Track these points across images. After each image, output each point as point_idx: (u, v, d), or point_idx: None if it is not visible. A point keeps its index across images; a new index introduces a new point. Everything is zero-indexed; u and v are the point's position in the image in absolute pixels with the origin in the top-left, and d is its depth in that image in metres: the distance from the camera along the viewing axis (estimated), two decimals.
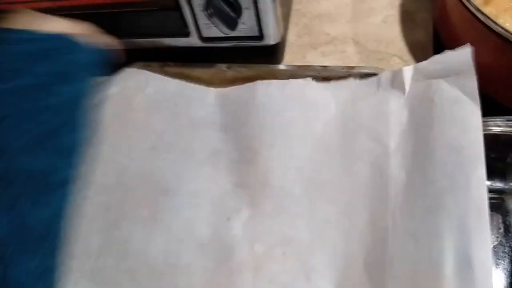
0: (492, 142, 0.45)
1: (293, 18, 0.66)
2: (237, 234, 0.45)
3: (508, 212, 0.50)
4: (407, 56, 0.60)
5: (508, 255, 0.47)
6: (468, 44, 0.42)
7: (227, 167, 0.49)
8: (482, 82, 0.42)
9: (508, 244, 0.48)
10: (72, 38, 0.39)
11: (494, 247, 0.48)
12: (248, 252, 0.43)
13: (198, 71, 0.56)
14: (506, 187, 0.51)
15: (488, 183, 0.50)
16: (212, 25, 0.51)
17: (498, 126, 0.47)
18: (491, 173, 0.44)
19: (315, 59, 0.61)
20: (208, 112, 0.53)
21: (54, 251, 0.32)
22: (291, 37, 0.64)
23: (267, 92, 0.52)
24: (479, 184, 0.38)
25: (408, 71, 0.47)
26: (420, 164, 0.42)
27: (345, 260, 0.42)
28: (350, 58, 0.61)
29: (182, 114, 0.53)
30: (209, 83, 0.56)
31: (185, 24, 0.53)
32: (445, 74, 0.44)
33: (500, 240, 0.48)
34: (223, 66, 0.56)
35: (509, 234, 0.48)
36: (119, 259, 0.44)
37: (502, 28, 0.42)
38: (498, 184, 0.51)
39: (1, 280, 0.29)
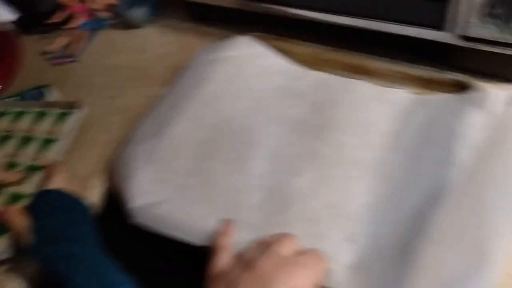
0: None
1: None
2: (300, 188, 0.50)
3: None
4: None
5: None
6: None
7: (307, 136, 0.55)
8: None
9: None
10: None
11: None
12: (304, 207, 0.48)
13: (302, 49, 0.63)
14: None
15: None
16: (485, 25, 0.46)
17: None
18: None
19: None
20: (304, 88, 0.60)
21: None
22: None
23: (365, 93, 0.57)
24: None
25: (502, 94, 0.51)
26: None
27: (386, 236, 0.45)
28: None
29: (282, 87, 0.61)
30: (310, 64, 0.62)
31: (442, 16, 0.49)
32: None
33: None
34: (327, 48, 0.62)
35: None
36: (201, 183, 0.53)
37: None
38: None
39: None
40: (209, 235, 0.47)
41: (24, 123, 0.64)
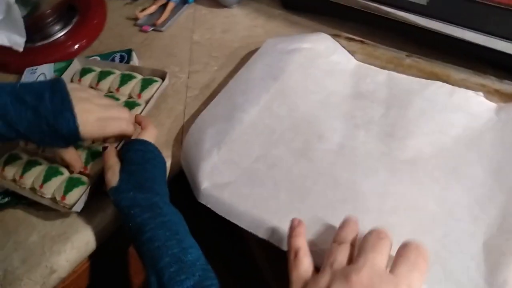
0: None
1: None
2: (370, 193, 0.50)
3: None
4: None
5: None
6: None
7: (378, 135, 0.55)
8: None
9: None
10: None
11: None
12: (378, 205, 0.48)
13: (379, 52, 0.63)
14: None
15: None
16: None
17: None
18: None
19: None
20: (376, 88, 0.60)
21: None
22: None
23: (437, 92, 0.57)
24: None
25: None
26: None
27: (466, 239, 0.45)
28: None
29: (353, 85, 0.61)
30: (383, 66, 0.62)
31: None
32: None
33: None
34: (403, 53, 0.62)
35: None
36: (267, 169, 0.54)
37: None
38: None
39: None
40: (272, 230, 0.48)
41: (109, 83, 0.66)
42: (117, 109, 0.55)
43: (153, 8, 0.81)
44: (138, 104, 0.62)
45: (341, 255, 0.39)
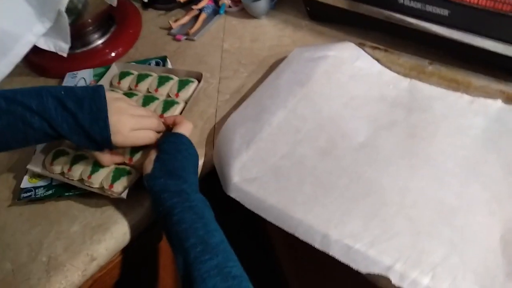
0: None
1: None
2: (391, 188, 0.53)
3: None
4: None
5: None
6: None
7: (400, 135, 0.58)
8: None
9: None
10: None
11: None
12: (399, 199, 0.52)
13: (402, 60, 0.66)
14: None
15: None
16: None
17: None
18: None
19: None
20: (398, 94, 0.63)
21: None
22: None
23: (457, 100, 0.60)
24: None
25: None
26: None
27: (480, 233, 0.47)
28: None
29: (376, 89, 0.65)
30: (406, 73, 0.65)
31: None
32: None
33: None
34: (426, 61, 0.65)
35: None
36: (293, 165, 0.58)
37: None
38: None
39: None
40: (297, 223, 0.51)
41: (147, 84, 0.71)
42: (150, 120, 0.60)
43: (186, 19, 0.86)
44: (177, 103, 0.67)
45: None
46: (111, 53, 0.84)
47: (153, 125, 0.60)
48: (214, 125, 0.67)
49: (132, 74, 0.73)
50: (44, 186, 0.63)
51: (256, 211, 0.54)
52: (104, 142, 0.55)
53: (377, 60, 0.67)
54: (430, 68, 0.63)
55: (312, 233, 0.49)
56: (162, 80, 0.70)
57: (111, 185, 0.58)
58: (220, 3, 0.85)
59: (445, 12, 0.61)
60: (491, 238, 0.46)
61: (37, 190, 0.62)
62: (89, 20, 0.83)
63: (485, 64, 0.62)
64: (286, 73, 0.67)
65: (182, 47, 0.82)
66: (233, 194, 0.56)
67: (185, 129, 0.60)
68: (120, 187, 0.58)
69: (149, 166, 0.55)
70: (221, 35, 0.82)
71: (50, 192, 0.62)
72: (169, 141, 0.57)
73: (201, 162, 0.62)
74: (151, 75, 0.72)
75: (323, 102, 0.63)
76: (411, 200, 0.51)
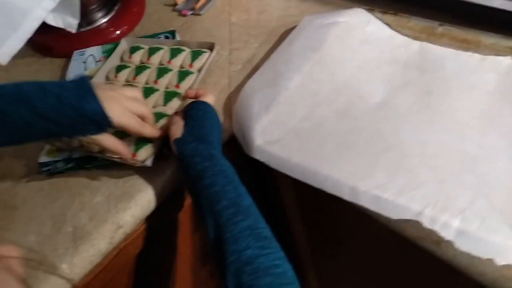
0: None
1: None
2: (412, 141, 0.55)
3: None
4: None
5: None
6: None
7: (416, 93, 0.60)
8: None
9: None
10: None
11: None
12: (420, 151, 0.53)
13: (412, 23, 0.67)
14: None
15: None
16: None
17: None
18: None
19: None
20: (410, 56, 0.65)
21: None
22: None
23: (468, 59, 0.62)
24: None
25: None
26: None
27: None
28: None
29: (387, 52, 0.66)
30: (417, 36, 0.67)
31: None
32: None
33: None
34: (435, 23, 0.66)
35: None
36: (313, 126, 0.59)
37: None
38: None
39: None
40: (324, 178, 0.53)
41: (160, 57, 0.71)
42: (144, 106, 0.58)
43: None
44: (191, 73, 0.67)
45: None
46: (115, 31, 0.84)
47: (146, 112, 0.58)
48: (229, 95, 0.68)
49: (143, 48, 0.73)
50: (64, 160, 0.63)
51: (282, 170, 0.55)
52: (99, 117, 0.52)
53: (387, 24, 0.68)
54: (440, 29, 0.65)
55: (340, 186, 0.51)
56: (174, 52, 0.70)
57: (134, 154, 0.58)
58: None
59: None
60: None
61: (57, 164, 0.62)
62: None
63: (494, 23, 0.63)
64: (298, 39, 0.68)
65: (189, 22, 0.82)
66: (257, 155, 0.57)
67: (209, 99, 0.61)
68: (143, 155, 0.58)
69: (178, 131, 0.55)
70: (227, 9, 0.82)
71: (70, 165, 0.62)
72: (197, 108, 0.58)
73: None
74: (162, 48, 0.72)
75: (338, 66, 0.65)
76: (432, 151, 0.52)
